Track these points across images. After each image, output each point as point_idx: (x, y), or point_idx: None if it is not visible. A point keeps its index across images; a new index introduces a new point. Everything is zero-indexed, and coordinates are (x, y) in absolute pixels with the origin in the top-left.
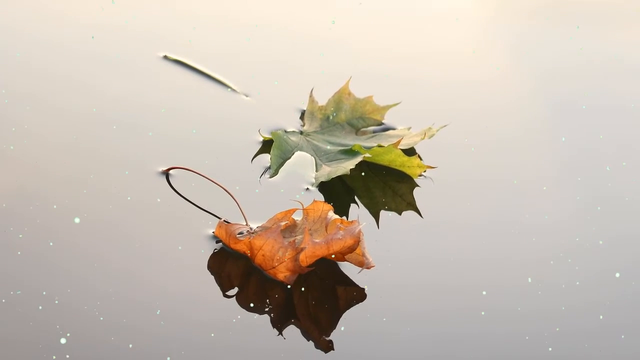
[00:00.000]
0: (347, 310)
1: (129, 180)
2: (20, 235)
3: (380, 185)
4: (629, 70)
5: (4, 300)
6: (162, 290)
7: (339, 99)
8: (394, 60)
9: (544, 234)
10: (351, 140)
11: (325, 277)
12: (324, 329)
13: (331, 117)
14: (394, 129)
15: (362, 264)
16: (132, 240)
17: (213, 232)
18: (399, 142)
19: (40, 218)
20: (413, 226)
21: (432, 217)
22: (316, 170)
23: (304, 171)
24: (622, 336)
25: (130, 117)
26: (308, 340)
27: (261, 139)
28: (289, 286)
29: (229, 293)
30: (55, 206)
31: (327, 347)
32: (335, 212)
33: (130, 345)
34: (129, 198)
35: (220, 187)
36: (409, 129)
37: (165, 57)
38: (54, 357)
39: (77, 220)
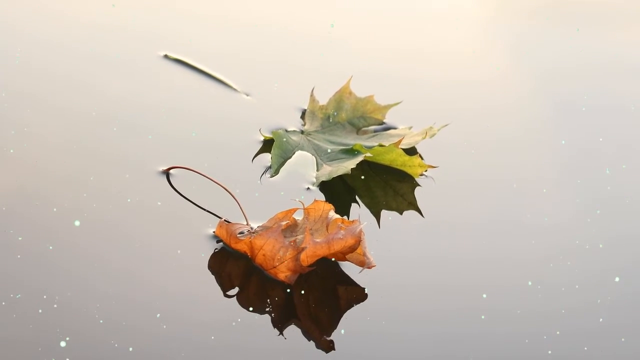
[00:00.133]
0: (348, 310)
1: (130, 179)
2: (20, 238)
3: (381, 184)
4: (629, 70)
5: (3, 303)
6: (162, 290)
7: (339, 99)
8: (395, 59)
9: (543, 234)
10: (352, 140)
11: (326, 277)
12: (324, 329)
13: (332, 117)
14: (395, 128)
15: (363, 263)
16: (132, 240)
17: (214, 232)
18: (400, 141)
19: (40, 218)
20: (414, 226)
21: (433, 216)
22: (317, 170)
23: (304, 171)
24: (622, 339)
25: (131, 117)
26: (309, 340)
27: (262, 138)
28: (289, 287)
29: (230, 293)
30: (55, 206)
31: (327, 347)
32: (336, 212)
33: (131, 346)
34: (129, 198)
35: (221, 186)
36: (410, 128)
37: (166, 57)
38: (54, 358)
39: (77, 220)
